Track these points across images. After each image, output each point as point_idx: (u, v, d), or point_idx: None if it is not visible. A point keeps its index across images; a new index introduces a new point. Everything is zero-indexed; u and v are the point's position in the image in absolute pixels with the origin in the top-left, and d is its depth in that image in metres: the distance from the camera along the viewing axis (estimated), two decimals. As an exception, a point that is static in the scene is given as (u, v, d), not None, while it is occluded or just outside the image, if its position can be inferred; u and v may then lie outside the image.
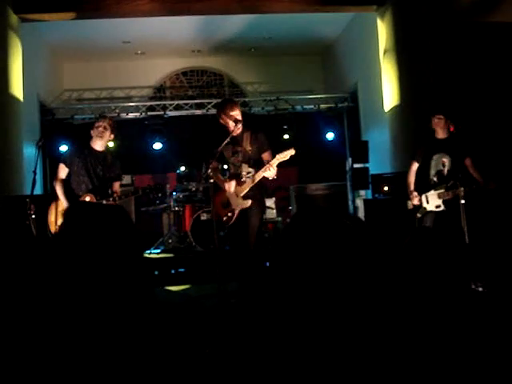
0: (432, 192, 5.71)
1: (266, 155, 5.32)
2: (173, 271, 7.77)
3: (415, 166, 6.02)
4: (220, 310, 4.92)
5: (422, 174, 5.94)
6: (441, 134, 5.93)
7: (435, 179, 5.81)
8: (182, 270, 7.77)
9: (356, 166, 9.63)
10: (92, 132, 5.53)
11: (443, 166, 5.72)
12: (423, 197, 5.75)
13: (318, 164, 11.52)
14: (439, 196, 5.66)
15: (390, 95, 8.33)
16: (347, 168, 10.39)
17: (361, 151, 9.53)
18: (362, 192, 9.94)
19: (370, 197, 9.19)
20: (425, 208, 5.73)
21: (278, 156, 5.13)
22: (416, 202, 5.78)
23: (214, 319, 4.65)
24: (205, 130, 5.13)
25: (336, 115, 12.04)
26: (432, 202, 5.70)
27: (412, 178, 5.98)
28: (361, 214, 9.20)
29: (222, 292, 5.01)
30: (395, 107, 8.16)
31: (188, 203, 9.22)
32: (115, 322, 1.46)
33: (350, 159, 10.12)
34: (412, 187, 5.91)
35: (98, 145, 5.52)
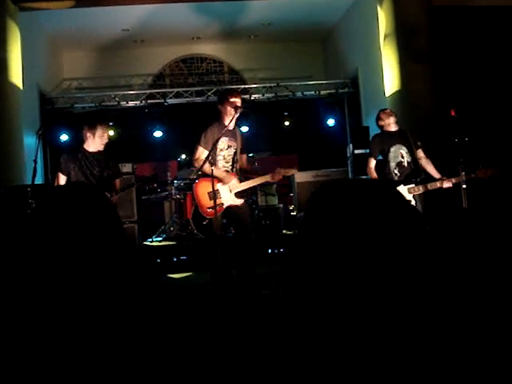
0: (402, 187, 5.66)
1: (244, 157, 5.47)
2: (175, 259, 7.79)
3: (373, 162, 6.01)
4: (218, 297, 4.95)
5: (383, 167, 5.95)
6: (393, 126, 5.97)
7: (396, 171, 5.84)
8: (184, 257, 7.80)
9: (357, 151, 9.62)
10: (91, 136, 5.50)
11: (402, 157, 5.83)
12: None
13: (319, 150, 11.50)
14: (409, 191, 5.65)
15: (390, 80, 8.30)
16: (348, 154, 10.39)
17: (362, 137, 9.51)
18: (364, 178, 9.93)
19: (371, 183, 9.18)
20: None
21: (284, 170, 5.17)
22: None
23: (215, 306, 4.66)
24: (205, 117, 5.15)
25: (336, 101, 12.00)
26: None
27: (375, 174, 5.97)
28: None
29: (219, 279, 5.04)
30: (396, 92, 8.13)
31: (189, 191, 9.20)
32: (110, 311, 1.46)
33: (350, 145, 10.11)
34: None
35: (93, 147, 5.54)
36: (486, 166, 5.50)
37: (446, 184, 5.58)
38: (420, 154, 5.90)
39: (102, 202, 1.59)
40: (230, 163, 5.26)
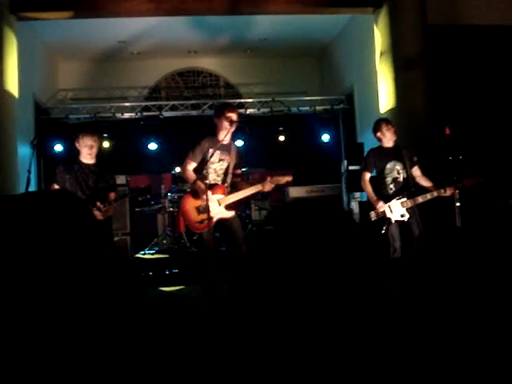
0: (394, 201, 5.61)
1: (239, 171, 5.45)
2: (167, 272, 7.76)
3: (367, 175, 5.92)
4: (208, 311, 4.93)
5: (378, 183, 5.89)
6: (391, 143, 5.90)
7: (392, 186, 5.76)
8: (176, 270, 7.76)
9: (351, 168, 9.62)
10: (79, 147, 5.48)
11: (398, 173, 5.77)
12: (386, 207, 5.61)
13: (314, 166, 11.50)
14: (402, 205, 5.62)
15: (385, 97, 8.33)
16: (342, 170, 10.40)
17: (356, 153, 9.52)
18: (357, 194, 9.93)
19: (365, 199, 9.17)
20: (389, 218, 5.58)
21: (276, 178, 5.17)
22: (382, 210, 5.64)
23: (206, 319, 4.63)
24: (200, 130, 5.15)
25: (332, 117, 12.03)
26: (396, 211, 5.59)
27: (370, 187, 5.86)
28: (356, 216, 9.19)
29: (211, 293, 5.02)
30: (391, 110, 8.15)
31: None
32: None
33: (345, 161, 10.12)
34: (375, 196, 5.76)
35: (88, 158, 5.51)
36: (471, 175, 5.50)
37: (435, 194, 5.54)
38: (416, 172, 5.84)
39: (82, 211, 1.57)
40: (222, 177, 5.26)
